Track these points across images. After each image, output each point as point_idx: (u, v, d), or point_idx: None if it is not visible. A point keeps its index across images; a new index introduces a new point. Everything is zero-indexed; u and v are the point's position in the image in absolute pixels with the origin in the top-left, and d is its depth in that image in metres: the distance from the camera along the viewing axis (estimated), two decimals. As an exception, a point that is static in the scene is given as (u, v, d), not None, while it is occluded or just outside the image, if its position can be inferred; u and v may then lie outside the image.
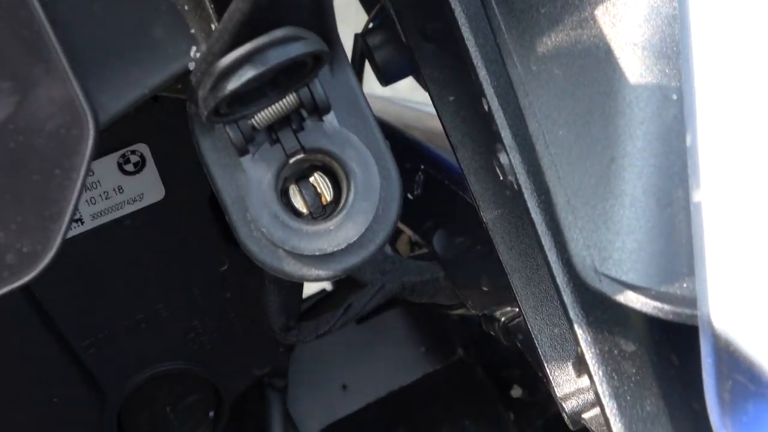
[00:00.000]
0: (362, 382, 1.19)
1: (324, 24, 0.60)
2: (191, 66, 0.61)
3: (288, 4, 0.56)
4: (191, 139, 0.63)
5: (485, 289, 0.83)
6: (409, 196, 0.97)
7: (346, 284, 0.93)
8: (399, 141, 1.03)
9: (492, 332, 0.82)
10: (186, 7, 0.61)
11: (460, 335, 1.20)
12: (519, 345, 0.77)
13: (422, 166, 0.95)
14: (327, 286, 1.19)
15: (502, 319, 0.79)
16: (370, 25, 0.91)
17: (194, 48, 0.61)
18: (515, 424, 1.11)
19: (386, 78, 0.88)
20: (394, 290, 0.88)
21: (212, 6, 0.60)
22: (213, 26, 0.60)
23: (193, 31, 0.61)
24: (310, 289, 1.08)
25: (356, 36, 0.93)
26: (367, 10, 0.98)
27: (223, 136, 0.62)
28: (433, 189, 0.94)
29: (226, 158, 0.62)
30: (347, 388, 1.20)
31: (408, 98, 1.31)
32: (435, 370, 1.20)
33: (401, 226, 1.04)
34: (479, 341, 1.18)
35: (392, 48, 0.86)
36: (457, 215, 0.89)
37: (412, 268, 0.90)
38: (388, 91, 1.04)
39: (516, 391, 1.14)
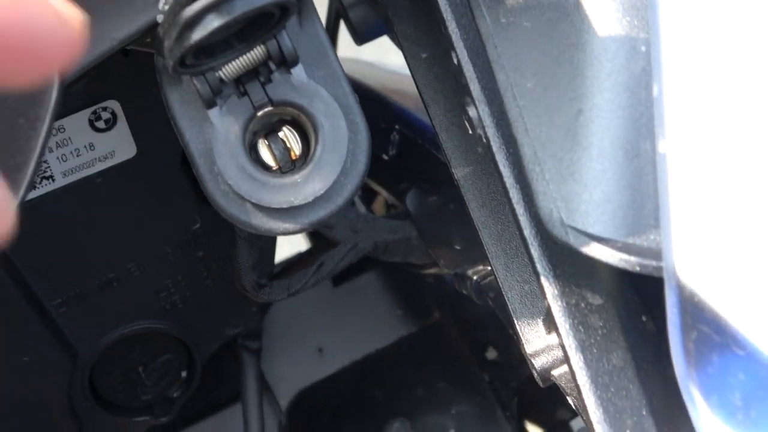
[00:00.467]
0: (338, 346, 1.19)
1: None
2: (159, 18, 0.60)
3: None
4: (160, 93, 0.62)
5: (457, 247, 0.83)
6: (384, 156, 0.97)
7: (320, 243, 0.93)
8: (374, 101, 1.03)
9: (464, 291, 0.82)
10: (153, -43, 0.60)
11: (435, 298, 1.20)
12: (491, 303, 0.77)
13: (397, 126, 0.95)
14: (302, 247, 1.19)
15: (474, 277, 0.79)
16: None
17: (162, 0, 0.60)
18: (490, 386, 1.11)
19: (361, 37, 0.87)
20: (367, 249, 0.88)
21: (179, -44, 0.59)
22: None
23: (160, -19, 0.61)
24: (285, 252, 1.08)
25: (330, -6, 0.92)
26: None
27: (191, 89, 0.61)
28: (407, 149, 0.94)
29: (193, 111, 0.62)
30: (323, 351, 1.20)
31: (390, 62, 1.31)
32: (410, 333, 1.20)
33: (376, 187, 1.04)
34: (455, 303, 1.18)
35: (367, 6, 0.85)
36: (431, 174, 0.89)
37: (384, 226, 0.89)
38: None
39: (491, 353, 1.14)
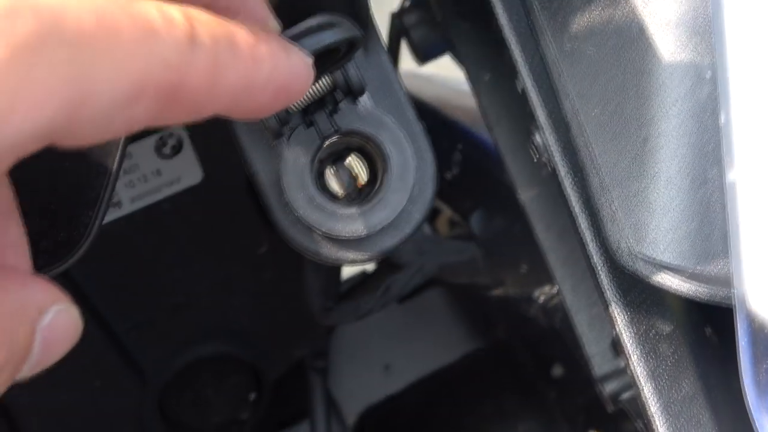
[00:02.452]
0: (404, 363, 1.19)
1: (357, 7, 0.60)
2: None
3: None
4: (227, 122, 0.63)
5: (523, 269, 0.83)
6: (448, 175, 0.97)
7: (385, 265, 0.93)
8: (436, 120, 1.03)
9: (531, 313, 0.82)
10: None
11: (501, 314, 1.20)
12: (558, 325, 0.77)
13: (459, 146, 0.95)
14: (367, 267, 1.19)
15: (541, 299, 0.79)
16: (406, 4, 0.91)
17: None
18: (557, 403, 1.11)
19: (423, 56, 0.88)
20: (433, 271, 0.88)
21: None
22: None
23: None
24: (351, 270, 1.09)
25: (392, 15, 0.92)
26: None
27: (258, 119, 0.62)
28: (470, 168, 0.94)
29: (261, 141, 0.62)
30: (389, 368, 1.20)
31: (449, 76, 1.31)
32: (476, 350, 1.19)
33: (440, 204, 1.04)
34: (520, 319, 1.18)
35: (428, 26, 0.86)
36: (495, 195, 0.89)
37: (450, 248, 0.89)
38: (431, 68, 1.04)
39: (557, 370, 1.13)
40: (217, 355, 0.92)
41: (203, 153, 0.81)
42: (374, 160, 0.63)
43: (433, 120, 1.03)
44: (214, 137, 0.79)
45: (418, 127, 0.63)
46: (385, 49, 0.63)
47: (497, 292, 0.93)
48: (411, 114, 0.63)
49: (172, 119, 0.38)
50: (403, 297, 1.19)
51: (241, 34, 0.40)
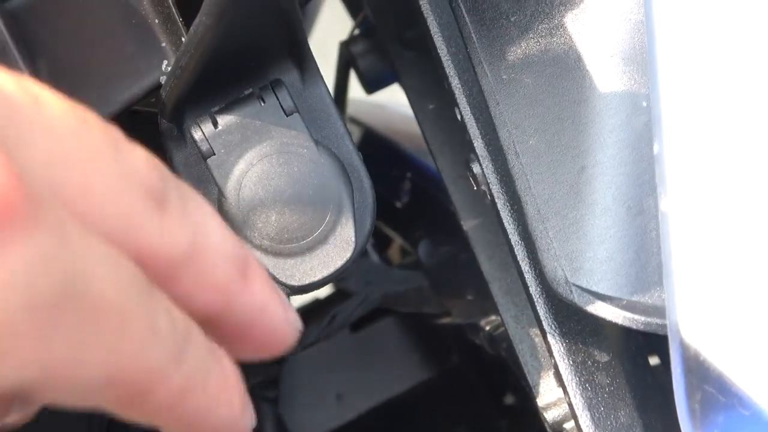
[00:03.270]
0: (357, 392, 1.18)
1: (293, 37, 0.60)
2: (162, 80, 0.61)
3: (253, 18, 0.56)
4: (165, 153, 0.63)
5: (469, 297, 0.82)
6: (398, 203, 0.97)
7: (333, 294, 0.93)
8: (387, 148, 1.03)
9: (477, 341, 0.82)
10: (156, 21, 0.61)
11: (453, 342, 1.20)
12: (503, 354, 0.77)
13: (409, 174, 0.95)
14: (318, 295, 1.18)
15: (487, 328, 0.79)
16: (355, 33, 0.91)
17: (165, 62, 0.61)
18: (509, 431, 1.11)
19: (370, 86, 0.88)
20: (378, 300, 0.88)
21: (181, 20, 0.60)
22: (183, 39, 0.59)
23: (163, 44, 0.61)
24: (302, 299, 1.08)
25: (341, 44, 0.92)
26: (354, 18, 0.98)
27: (195, 150, 0.61)
28: (419, 197, 0.94)
29: (198, 171, 0.62)
30: (341, 397, 1.19)
31: (404, 103, 1.31)
32: (429, 378, 1.19)
33: (391, 233, 1.04)
34: (474, 347, 1.18)
35: (375, 56, 0.86)
36: (443, 223, 0.89)
37: (396, 277, 0.89)
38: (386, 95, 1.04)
39: (509, 399, 1.13)
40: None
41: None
42: None
43: (384, 148, 1.03)
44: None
45: (355, 158, 0.62)
46: (323, 79, 0.63)
47: (444, 320, 0.93)
48: (349, 144, 0.62)
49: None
50: (355, 326, 1.18)
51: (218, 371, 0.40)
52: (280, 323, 0.43)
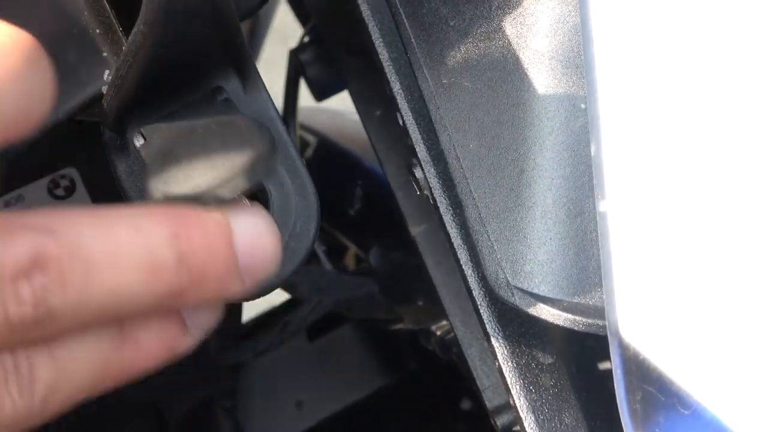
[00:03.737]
0: (316, 399, 1.19)
1: (232, 45, 0.59)
2: (104, 89, 0.60)
3: (192, 27, 0.56)
4: (113, 166, 0.62)
5: (420, 303, 0.83)
6: (351, 210, 0.97)
7: (285, 302, 0.92)
8: (338, 156, 1.03)
9: (429, 346, 0.82)
10: (97, 31, 0.60)
11: (412, 348, 1.20)
12: (454, 359, 0.77)
13: (360, 181, 0.95)
14: (274, 301, 1.18)
15: (438, 333, 0.79)
16: (304, 41, 0.91)
17: (107, 71, 0.61)
18: (467, 436, 1.11)
19: (319, 93, 0.88)
20: (329, 306, 0.88)
21: (121, 30, 0.59)
22: (124, 49, 0.59)
23: (105, 54, 0.61)
24: (258, 309, 1.08)
25: (290, 52, 0.92)
26: (304, 26, 0.98)
27: (139, 159, 0.61)
28: (371, 204, 0.94)
29: (141, 182, 0.62)
30: (301, 405, 1.19)
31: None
32: (388, 384, 1.19)
33: (345, 241, 1.04)
34: (431, 353, 1.18)
35: (323, 63, 0.86)
36: (394, 229, 0.89)
37: (348, 284, 0.89)
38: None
39: (466, 403, 1.13)
40: (116, 397, 0.91)
41: (96, 193, 0.80)
42: (257, 197, 0.62)
43: (337, 156, 1.03)
44: (106, 177, 0.78)
45: (299, 165, 0.62)
46: (265, 86, 0.62)
47: (397, 326, 0.93)
48: (292, 151, 0.62)
49: None
50: (312, 330, 1.18)
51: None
52: None
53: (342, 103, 0.98)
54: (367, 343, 1.22)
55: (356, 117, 1.23)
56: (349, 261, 1.18)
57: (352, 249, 1.13)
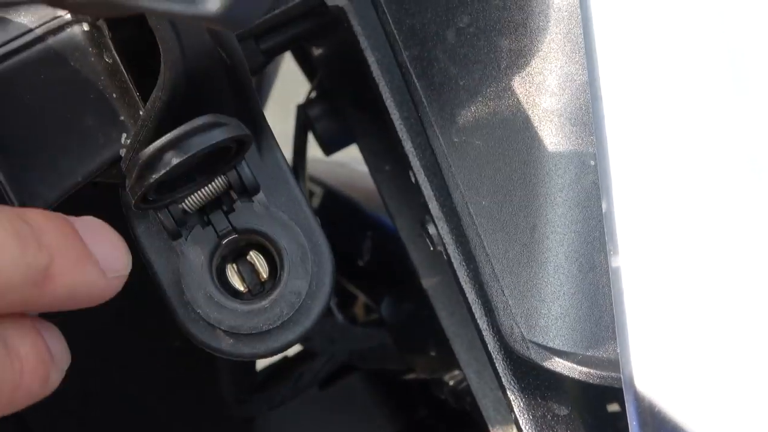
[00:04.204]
0: (327, 449, 1.19)
1: (247, 109, 0.61)
2: (122, 153, 0.61)
3: (208, 91, 0.57)
4: (129, 223, 0.63)
5: (432, 353, 0.83)
6: (360, 262, 0.98)
7: (299, 353, 0.93)
8: (346, 207, 1.04)
9: (442, 396, 0.83)
10: (114, 95, 0.61)
11: (420, 397, 1.20)
12: (467, 408, 0.78)
13: (369, 233, 0.96)
14: (288, 353, 1.19)
15: (450, 382, 0.80)
16: (312, 96, 0.93)
17: (124, 135, 0.62)
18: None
19: (328, 148, 0.89)
20: (343, 358, 0.89)
21: (138, 94, 0.60)
22: (141, 113, 0.60)
23: (122, 118, 0.62)
24: (269, 359, 1.09)
25: (298, 107, 0.94)
26: (311, 81, 0.99)
27: (156, 220, 0.62)
28: (381, 255, 0.95)
29: (160, 242, 0.63)
30: (312, 454, 1.20)
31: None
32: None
33: (355, 291, 1.05)
34: (441, 401, 1.18)
35: (331, 118, 0.87)
36: (403, 281, 0.90)
37: (360, 335, 0.90)
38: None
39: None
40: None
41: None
42: (273, 255, 0.63)
43: (345, 207, 1.04)
44: (123, 237, 0.79)
45: (313, 222, 0.63)
46: (279, 148, 0.64)
47: (409, 376, 0.94)
48: (306, 209, 0.63)
49: None
50: (323, 382, 1.19)
51: None
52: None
53: (344, 152, 0.99)
54: (377, 392, 1.22)
55: (360, 167, 1.24)
56: (359, 311, 1.19)
57: (362, 299, 1.14)
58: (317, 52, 0.83)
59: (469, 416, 1.14)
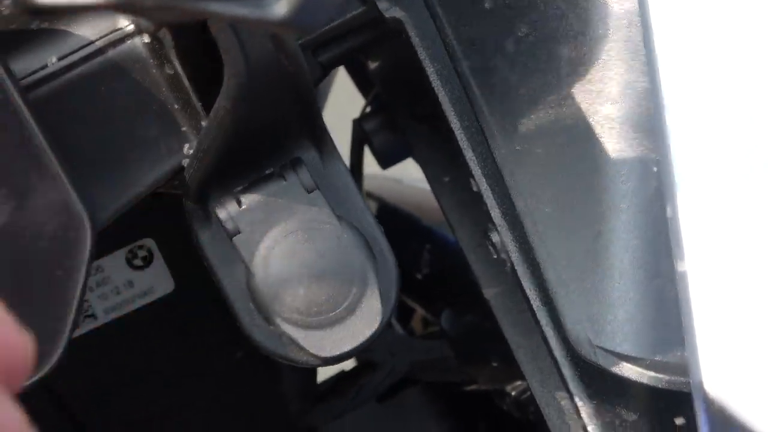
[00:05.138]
0: (385, 463, 1.19)
1: (309, 116, 0.61)
2: (185, 163, 0.62)
3: (271, 99, 0.58)
4: (190, 230, 0.64)
5: (494, 364, 0.83)
6: (418, 275, 0.98)
7: (359, 365, 0.94)
8: (402, 221, 1.04)
9: (504, 407, 0.82)
10: (176, 106, 0.62)
11: (480, 409, 1.20)
12: (531, 418, 0.78)
13: (428, 246, 0.96)
14: (346, 366, 1.19)
15: (513, 393, 0.80)
16: (367, 110, 0.93)
17: (186, 145, 0.62)
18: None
19: (385, 161, 0.89)
20: (404, 370, 0.89)
21: (200, 104, 0.61)
22: (202, 123, 0.61)
23: (184, 128, 0.63)
24: (327, 371, 1.09)
25: (354, 122, 0.94)
26: (365, 96, 0.99)
27: (220, 228, 0.63)
28: (439, 268, 0.95)
29: (224, 250, 0.63)
30: (370, 469, 1.19)
31: (418, 176, 1.33)
32: (457, 447, 1.19)
33: (413, 304, 1.05)
34: (501, 415, 1.18)
35: (388, 131, 0.87)
36: (464, 293, 0.90)
37: (420, 347, 0.91)
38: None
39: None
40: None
41: (173, 263, 0.82)
42: None
43: (400, 221, 1.05)
44: (184, 247, 0.80)
45: (377, 232, 0.64)
46: (341, 157, 0.64)
47: (470, 387, 0.94)
48: (370, 218, 0.64)
49: None
50: (381, 395, 1.19)
51: None
52: None
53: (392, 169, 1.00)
54: (436, 405, 1.22)
55: (415, 184, 1.25)
56: (416, 324, 1.19)
57: (420, 312, 1.14)
58: (373, 65, 0.84)
59: (533, 427, 1.14)
